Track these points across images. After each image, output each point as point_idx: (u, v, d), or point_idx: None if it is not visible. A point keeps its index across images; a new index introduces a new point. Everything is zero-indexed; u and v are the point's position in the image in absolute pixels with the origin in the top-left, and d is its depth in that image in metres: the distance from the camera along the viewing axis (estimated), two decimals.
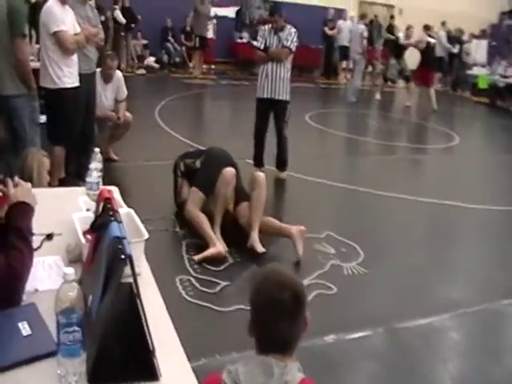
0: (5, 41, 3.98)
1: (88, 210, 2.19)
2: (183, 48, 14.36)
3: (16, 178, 1.84)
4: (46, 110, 4.73)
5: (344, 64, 15.07)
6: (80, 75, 4.67)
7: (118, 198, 2.27)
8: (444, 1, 16.99)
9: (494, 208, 5.69)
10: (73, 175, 4.91)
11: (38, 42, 4.79)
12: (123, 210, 2.08)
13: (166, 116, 8.45)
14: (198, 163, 4.41)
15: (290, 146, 5.96)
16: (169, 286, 3.30)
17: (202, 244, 3.97)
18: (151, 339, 1.36)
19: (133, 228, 1.99)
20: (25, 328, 1.46)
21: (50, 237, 2.06)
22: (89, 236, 1.88)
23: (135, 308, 1.36)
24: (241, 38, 15.39)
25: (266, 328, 1.40)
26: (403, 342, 3.18)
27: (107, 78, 5.73)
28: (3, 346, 1.41)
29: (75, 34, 4.53)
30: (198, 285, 3.50)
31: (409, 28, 12.46)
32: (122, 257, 1.38)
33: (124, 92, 5.92)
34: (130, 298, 1.37)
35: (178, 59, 14.41)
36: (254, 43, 6.40)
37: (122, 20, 12.48)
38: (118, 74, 5.90)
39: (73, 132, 4.71)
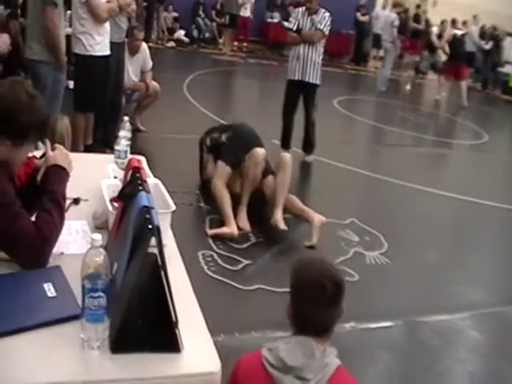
0: (39, 7, 4.03)
1: (115, 177, 2.18)
2: (213, 24, 14.27)
3: (51, 143, 1.83)
4: (76, 76, 4.74)
5: (375, 52, 14.86)
6: (111, 43, 4.65)
7: (146, 168, 2.26)
8: None
9: None
10: (100, 142, 4.93)
11: (70, 8, 4.75)
12: (151, 181, 2.06)
13: (194, 90, 8.42)
14: (223, 137, 4.40)
15: (317, 130, 5.90)
16: (191, 260, 3.26)
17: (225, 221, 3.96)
18: (175, 311, 1.34)
19: (160, 199, 1.98)
20: (50, 290, 1.46)
21: (76, 201, 2.06)
22: (116, 204, 1.87)
23: (160, 279, 1.34)
24: (272, 18, 15.23)
25: (306, 311, 1.45)
26: (421, 336, 3.14)
27: (134, 50, 5.69)
28: (28, 306, 1.41)
29: (108, 1, 4.49)
30: (220, 261, 3.50)
31: (443, 23, 12.25)
32: (150, 227, 1.37)
33: (150, 63, 5.91)
34: (155, 269, 1.35)
35: (207, 35, 14.33)
36: (286, 24, 6.31)
37: None
38: (144, 45, 5.87)
39: (101, 99, 4.70)
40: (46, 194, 1.65)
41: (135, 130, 5.50)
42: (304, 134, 5.91)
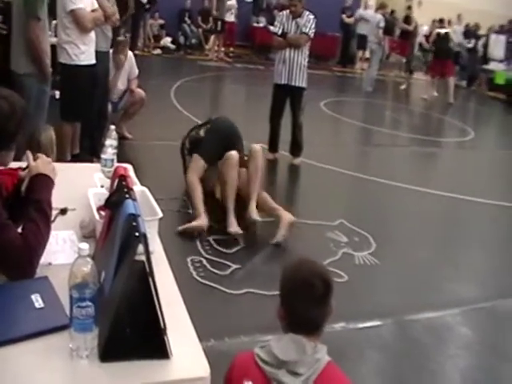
0: (23, 20, 4.02)
1: (102, 186, 2.18)
2: (200, 30, 14.28)
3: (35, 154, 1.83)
4: (62, 86, 4.73)
5: (361, 53, 14.93)
6: (97, 52, 4.65)
7: (132, 176, 2.26)
8: None
9: (504, 204, 5.62)
10: (87, 151, 4.92)
11: (55, 18, 4.75)
12: (138, 188, 2.07)
13: (181, 97, 8.42)
14: (202, 132, 4.45)
15: (305, 132, 5.93)
16: (180, 266, 3.30)
17: (214, 227, 3.98)
18: (163, 317, 1.35)
19: (147, 206, 1.98)
20: (38, 300, 1.46)
21: (64, 211, 2.05)
22: (103, 212, 1.87)
23: (148, 286, 1.35)
24: (257, 23, 15.26)
25: (297, 310, 1.51)
26: (411, 334, 3.16)
27: (120, 65, 5.69)
28: (16, 317, 1.41)
29: (92, 10, 4.49)
30: (209, 266, 3.51)
31: (434, 22, 12.49)
32: (137, 234, 1.37)
33: (136, 70, 5.93)
34: (143, 276, 1.35)
35: (194, 41, 14.34)
36: (272, 28, 6.34)
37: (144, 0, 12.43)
38: (129, 53, 5.88)
39: (87, 108, 4.70)
40: (31, 204, 1.65)
41: (122, 138, 5.50)
42: (291, 137, 5.94)
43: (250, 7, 15.18)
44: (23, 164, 1.84)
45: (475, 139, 8.83)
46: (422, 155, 7.66)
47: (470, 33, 14.79)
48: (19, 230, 1.62)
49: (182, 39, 14.09)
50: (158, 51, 13.34)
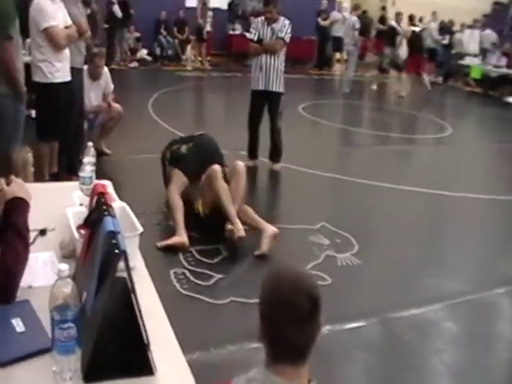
0: None
1: (81, 204, 2.18)
2: (176, 41, 14.30)
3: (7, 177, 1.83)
4: (37, 105, 4.70)
5: (338, 55, 15.04)
6: (72, 69, 4.63)
7: (111, 193, 2.27)
8: None
9: (484, 197, 5.71)
10: (65, 170, 4.89)
11: (28, 36, 4.72)
12: (117, 204, 2.07)
13: (159, 109, 8.41)
14: (183, 149, 4.44)
15: (284, 137, 5.96)
16: (163, 279, 3.30)
17: (195, 237, 3.97)
18: (146, 334, 1.35)
19: (127, 222, 1.99)
20: (19, 325, 1.46)
21: (43, 232, 2.05)
22: (82, 231, 1.88)
23: (130, 303, 1.36)
24: (233, 30, 15.31)
25: (279, 335, 1.25)
26: (397, 332, 3.20)
27: (96, 77, 5.69)
28: None
29: (66, 27, 4.47)
30: (192, 277, 3.51)
31: (398, 14, 12.64)
32: (117, 251, 1.38)
33: (111, 85, 5.93)
34: (125, 293, 1.36)
35: (170, 52, 14.34)
36: (248, 35, 6.37)
37: (119, 14, 12.41)
38: (105, 68, 5.87)
39: (64, 126, 4.67)
40: (8, 228, 1.65)
41: (101, 154, 5.49)
42: (270, 142, 5.95)
43: (225, 15, 15.23)
44: None
45: (453, 134, 8.94)
46: (400, 153, 7.73)
47: (445, 29, 14.98)
48: None
49: (158, 51, 14.08)
50: (135, 64, 13.31)
